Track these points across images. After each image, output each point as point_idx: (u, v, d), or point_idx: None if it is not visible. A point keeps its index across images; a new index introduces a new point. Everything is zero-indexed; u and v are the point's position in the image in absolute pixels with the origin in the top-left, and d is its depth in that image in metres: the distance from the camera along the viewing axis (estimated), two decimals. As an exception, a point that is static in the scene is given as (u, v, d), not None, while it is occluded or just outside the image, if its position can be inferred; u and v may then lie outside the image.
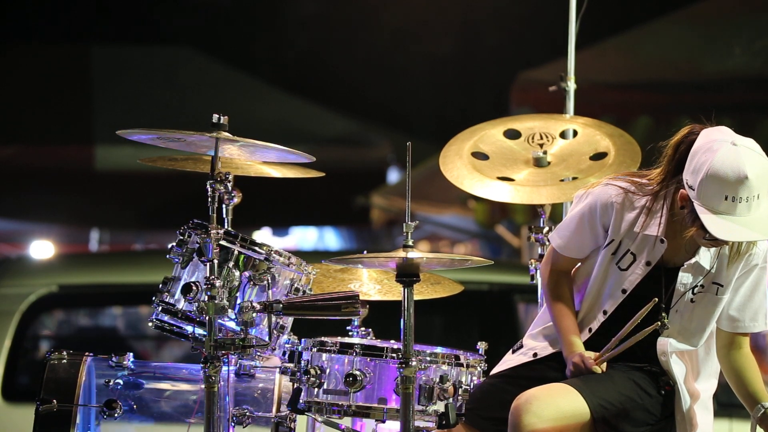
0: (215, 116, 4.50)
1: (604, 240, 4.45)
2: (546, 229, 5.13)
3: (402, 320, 4.29)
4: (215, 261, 4.41)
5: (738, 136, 4.24)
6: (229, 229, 4.52)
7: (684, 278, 4.39)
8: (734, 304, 4.47)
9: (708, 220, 4.17)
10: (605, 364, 4.38)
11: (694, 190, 4.21)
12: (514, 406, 4.24)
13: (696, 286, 4.40)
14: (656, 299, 4.33)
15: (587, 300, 4.49)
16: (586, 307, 4.50)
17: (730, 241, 4.26)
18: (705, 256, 4.39)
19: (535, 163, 5.23)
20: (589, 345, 4.43)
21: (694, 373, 4.47)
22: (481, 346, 4.67)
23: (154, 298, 4.60)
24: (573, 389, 4.27)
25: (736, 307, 4.48)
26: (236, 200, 4.53)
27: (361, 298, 4.49)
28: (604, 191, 4.44)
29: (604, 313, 4.45)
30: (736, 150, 4.18)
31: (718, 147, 4.19)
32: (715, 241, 4.26)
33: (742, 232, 4.18)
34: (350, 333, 4.94)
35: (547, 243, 4.96)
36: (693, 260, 4.37)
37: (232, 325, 4.45)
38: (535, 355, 4.52)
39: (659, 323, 4.34)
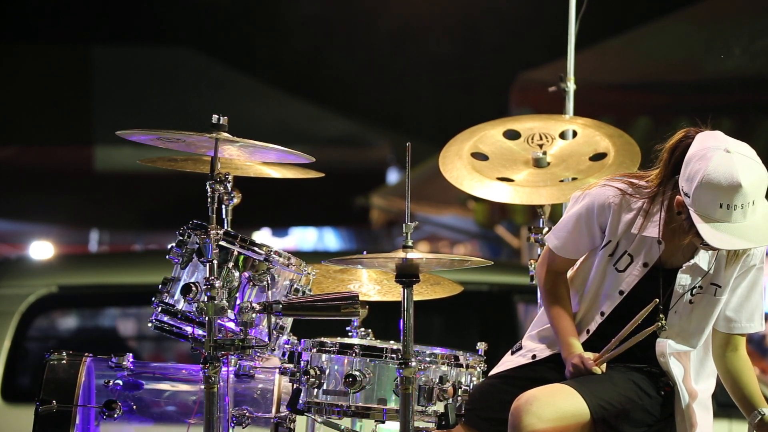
0: (215, 117, 4.50)
1: (601, 241, 4.45)
2: (545, 229, 5.13)
3: (402, 321, 4.29)
4: (215, 261, 4.41)
5: (732, 142, 4.23)
6: (229, 229, 4.52)
7: (683, 279, 4.39)
8: (731, 304, 4.47)
9: (704, 229, 4.18)
10: (605, 364, 4.38)
11: (689, 197, 4.21)
12: (514, 406, 4.24)
13: (694, 287, 4.40)
14: (657, 300, 4.33)
15: (585, 301, 4.49)
16: (584, 308, 4.50)
17: (721, 249, 4.25)
18: (703, 258, 4.39)
19: (535, 164, 5.23)
20: (587, 346, 4.43)
21: (693, 373, 4.47)
22: (481, 346, 4.68)
23: (153, 299, 4.60)
24: (573, 390, 4.27)
25: (732, 308, 4.48)
26: (236, 201, 4.53)
27: (361, 298, 4.49)
28: (602, 192, 4.44)
29: (602, 314, 4.45)
30: (729, 157, 4.17)
31: (712, 154, 4.18)
32: (714, 246, 4.26)
33: (738, 241, 4.18)
34: (350, 333, 4.94)
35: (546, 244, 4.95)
36: (692, 262, 4.38)
37: (231, 325, 4.44)
38: (534, 356, 4.52)
39: (659, 324, 4.34)
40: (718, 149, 4.19)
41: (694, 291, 4.40)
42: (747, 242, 4.20)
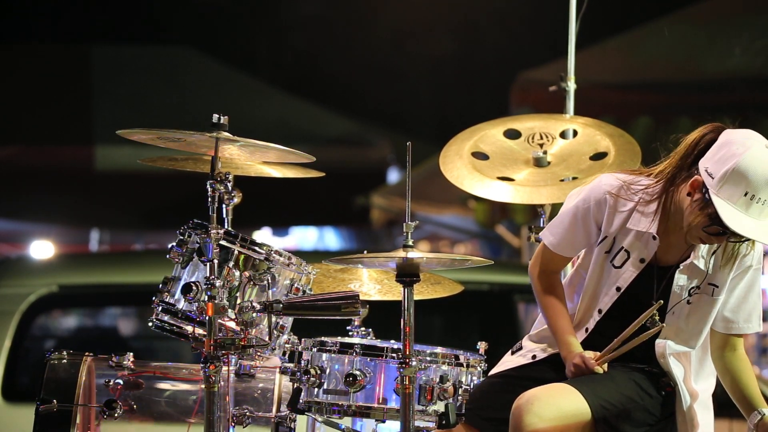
0: (215, 116, 4.50)
1: (597, 237, 4.44)
2: (546, 229, 5.13)
3: (402, 320, 4.29)
4: (215, 261, 4.41)
5: None
6: (229, 229, 4.52)
7: (680, 280, 4.38)
8: (729, 305, 4.47)
9: (722, 206, 4.15)
10: (606, 364, 4.37)
11: (713, 178, 4.19)
12: (516, 406, 4.24)
13: (692, 287, 4.39)
14: (662, 301, 4.32)
15: (584, 299, 4.48)
16: (583, 306, 4.49)
17: (735, 232, 4.18)
18: (700, 258, 4.38)
19: (535, 163, 5.23)
20: (586, 344, 4.42)
21: (693, 373, 4.46)
22: (481, 346, 4.68)
23: (154, 298, 4.60)
24: (574, 389, 4.26)
25: (730, 308, 4.47)
26: (236, 200, 4.52)
27: (361, 298, 4.49)
28: (598, 187, 4.43)
29: (599, 311, 4.44)
30: None
31: (752, 144, 4.19)
32: (711, 238, 4.25)
33: (753, 229, 4.17)
34: (350, 333, 4.94)
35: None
36: (689, 261, 4.37)
37: (232, 325, 4.44)
38: (534, 357, 4.52)
39: (662, 325, 4.33)
40: (760, 142, 4.21)
41: (692, 291, 4.40)
42: (753, 235, 4.19)
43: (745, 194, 4.16)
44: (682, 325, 4.41)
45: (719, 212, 4.16)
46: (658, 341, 4.39)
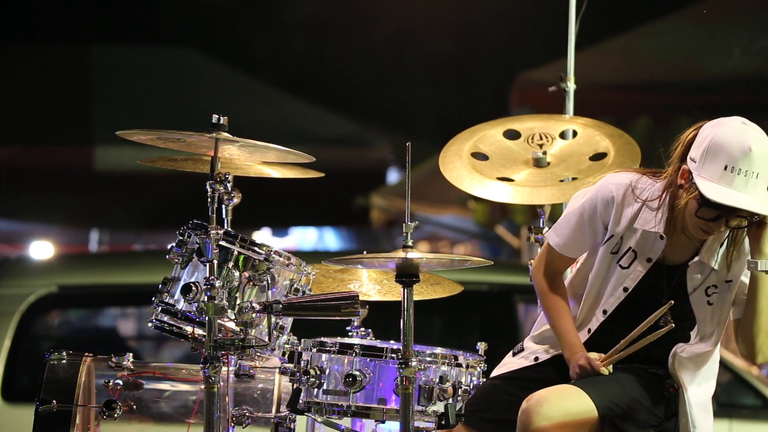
0: (215, 117, 4.50)
1: (604, 237, 4.44)
2: (546, 229, 5.13)
3: (402, 320, 4.29)
4: (215, 261, 4.41)
5: (750, 122, 4.25)
6: (229, 229, 4.52)
7: (694, 281, 4.36)
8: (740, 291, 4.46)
9: (703, 184, 4.16)
10: (611, 365, 4.37)
11: (695, 162, 4.21)
12: (524, 407, 4.24)
13: (709, 286, 4.38)
14: (672, 302, 4.32)
15: (587, 300, 4.48)
16: (586, 307, 4.48)
17: (717, 202, 4.16)
18: (708, 256, 4.37)
19: (535, 164, 5.23)
20: (589, 345, 4.42)
21: (696, 374, 4.46)
22: (481, 346, 4.68)
23: (153, 299, 4.60)
24: (582, 391, 4.26)
25: (742, 292, 4.46)
26: (236, 200, 4.53)
27: (361, 298, 4.49)
28: (605, 187, 4.43)
29: (604, 312, 4.44)
30: (744, 126, 4.20)
31: (728, 122, 4.23)
32: (710, 224, 4.24)
33: (737, 198, 4.15)
34: (350, 333, 4.94)
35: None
36: (697, 259, 4.36)
37: (231, 325, 4.44)
38: (536, 359, 4.51)
39: (672, 326, 4.32)
40: (735, 120, 4.23)
41: (709, 291, 4.39)
42: (741, 205, 4.17)
43: (725, 168, 4.16)
44: (707, 329, 4.40)
45: (700, 189, 4.17)
46: (678, 345, 4.38)
